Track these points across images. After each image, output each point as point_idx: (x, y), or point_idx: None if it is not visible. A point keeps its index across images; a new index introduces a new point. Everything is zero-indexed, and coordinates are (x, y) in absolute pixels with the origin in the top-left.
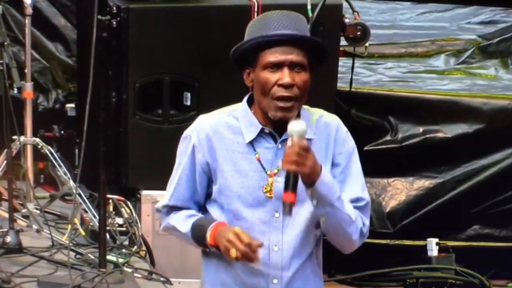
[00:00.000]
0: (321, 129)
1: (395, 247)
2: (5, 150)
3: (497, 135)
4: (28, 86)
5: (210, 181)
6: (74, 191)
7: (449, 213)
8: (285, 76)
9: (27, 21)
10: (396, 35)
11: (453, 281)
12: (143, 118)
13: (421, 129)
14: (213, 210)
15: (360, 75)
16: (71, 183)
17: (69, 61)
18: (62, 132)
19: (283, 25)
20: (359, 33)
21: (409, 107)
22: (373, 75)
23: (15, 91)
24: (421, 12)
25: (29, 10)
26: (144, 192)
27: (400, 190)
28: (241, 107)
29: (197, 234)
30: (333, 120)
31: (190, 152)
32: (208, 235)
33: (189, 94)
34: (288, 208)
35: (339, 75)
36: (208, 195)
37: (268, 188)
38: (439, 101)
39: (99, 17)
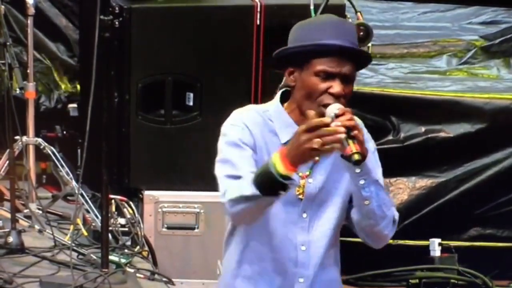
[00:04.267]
0: None
1: (397, 247)
2: (7, 151)
3: (499, 135)
4: (31, 86)
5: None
6: (77, 191)
7: (452, 213)
8: (338, 87)
9: (29, 21)
10: (398, 36)
11: (456, 281)
12: (145, 118)
13: (423, 129)
14: None
15: (362, 76)
16: (73, 183)
17: (71, 61)
18: (64, 132)
19: (339, 34)
20: (362, 33)
21: (411, 106)
22: (375, 75)
23: (18, 91)
24: (423, 12)
25: (31, 10)
26: (147, 193)
27: (402, 189)
28: (274, 107)
29: (262, 179)
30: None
31: (242, 131)
32: (277, 163)
33: (191, 95)
34: (359, 156)
35: None
36: None
37: (301, 190)
38: (441, 100)
39: (101, 17)
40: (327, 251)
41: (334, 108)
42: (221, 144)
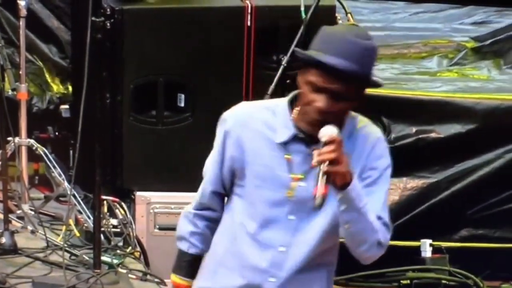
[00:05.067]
0: (360, 138)
1: (388, 247)
2: (0, 151)
3: (490, 135)
4: (23, 87)
5: (236, 169)
6: (69, 192)
7: (443, 214)
8: (321, 102)
9: (21, 23)
10: (389, 37)
11: (447, 282)
12: (137, 119)
13: (414, 129)
14: (236, 198)
15: None
16: (66, 184)
17: (63, 62)
18: (57, 133)
19: (339, 51)
20: None
21: (402, 107)
22: None
23: (10, 92)
24: (415, 12)
25: (23, 12)
26: (139, 193)
27: (393, 190)
28: (282, 104)
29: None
30: (374, 132)
31: (223, 137)
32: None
33: (183, 96)
34: (321, 200)
35: None
36: (234, 183)
37: (292, 193)
38: (432, 101)
39: (93, 18)
40: (309, 258)
41: (326, 133)
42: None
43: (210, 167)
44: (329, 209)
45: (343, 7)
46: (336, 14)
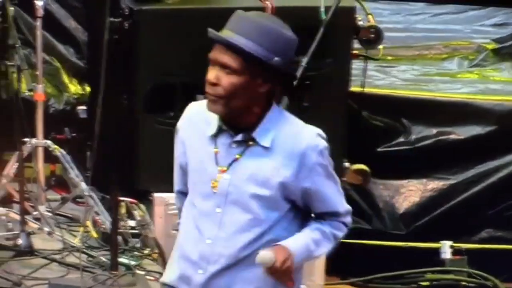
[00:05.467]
0: (286, 141)
1: (408, 249)
2: (17, 153)
3: (509, 137)
4: (40, 88)
5: (184, 166)
6: (86, 193)
7: (463, 215)
8: (210, 74)
9: (38, 23)
10: (410, 38)
11: (466, 284)
12: (154, 120)
13: (434, 131)
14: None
15: (373, 78)
16: (83, 185)
17: (80, 63)
18: (74, 134)
19: (233, 26)
20: (372, 35)
21: (422, 108)
22: (386, 77)
23: (26, 93)
24: (435, 14)
25: (40, 12)
26: (156, 195)
27: (413, 191)
28: None
29: None
30: (305, 136)
31: (176, 138)
32: None
33: (201, 96)
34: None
35: (352, 78)
36: None
37: (216, 184)
38: (452, 102)
39: (111, 19)
40: (234, 252)
41: (261, 261)
42: None
43: (174, 170)
44: (252, 204)
45: (364, 8)
46: (357, 15)
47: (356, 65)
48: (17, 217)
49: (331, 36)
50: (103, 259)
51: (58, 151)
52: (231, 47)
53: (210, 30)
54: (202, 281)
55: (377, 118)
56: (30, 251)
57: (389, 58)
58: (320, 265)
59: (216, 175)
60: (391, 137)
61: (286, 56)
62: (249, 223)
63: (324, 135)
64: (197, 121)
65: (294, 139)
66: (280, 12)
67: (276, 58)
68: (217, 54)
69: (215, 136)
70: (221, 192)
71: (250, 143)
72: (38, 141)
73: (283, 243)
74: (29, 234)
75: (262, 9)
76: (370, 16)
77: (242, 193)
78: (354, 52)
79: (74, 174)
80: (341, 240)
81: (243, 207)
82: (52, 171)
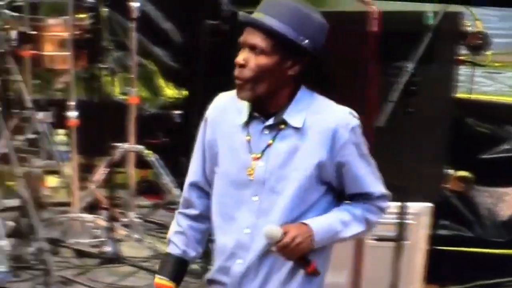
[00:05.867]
0: (317, 120)
1: (506, 257)
2: (107, 158)
3: None
4: (134, 91)
5: (213, 155)
6: (179, 200)
7: None
8: (240, 56)
9: (133, 25)
10: None
11: None
12: None
13: None
14: (214, 185)
15: (480, 84)
16: (176, 191)
17: (175, 66)
18: (167, 139)
19: (263, 9)
20: (479, 41)
21: None
22: (493, 84)
23: (120, 96)
24: None
25: (134, 14)
26: None
27: None
28: None
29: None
30: (337, 114)
31: (203, 127)
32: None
33: None
34: (316, 274)
35: (459, 84)
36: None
37: (252, 172)
38: None
39: (209, 21)
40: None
41: (268, 235)
42: None
43: (192, 161)
44: (289, 189)
45: (472, 14)
46: (465, 21)
47: (463, 71)
48: (105, 223)
49: (437, 42)
50: (195, 266)
51: (151, 156)
52: (260, 28)
53: (240, 13)
54: (242, 270)
55: (482, 124)
56: (117, 258)
57: (496, 64)
58: (418, 272)
59: (250, 162)
60: (495, 144)
61: (315, 40)
62: (287, 208)
63: (356, 114)
64: (227, 110)
65: (325, 118)
66: (386, 17)
67: (306, 41)
68: (247, 36)
69: (246, 124)
70: (257, 179)
71: (282, 126)
72: (130, 146)
73: (305, 221)
74: (116, 241)
75: (368, 13)
76: (478, 22)
77: (278, 179)
78: (460, 58)
79: (167, 179)
80: (441, 248)
81: (280, 193)
82: (143, 176)
